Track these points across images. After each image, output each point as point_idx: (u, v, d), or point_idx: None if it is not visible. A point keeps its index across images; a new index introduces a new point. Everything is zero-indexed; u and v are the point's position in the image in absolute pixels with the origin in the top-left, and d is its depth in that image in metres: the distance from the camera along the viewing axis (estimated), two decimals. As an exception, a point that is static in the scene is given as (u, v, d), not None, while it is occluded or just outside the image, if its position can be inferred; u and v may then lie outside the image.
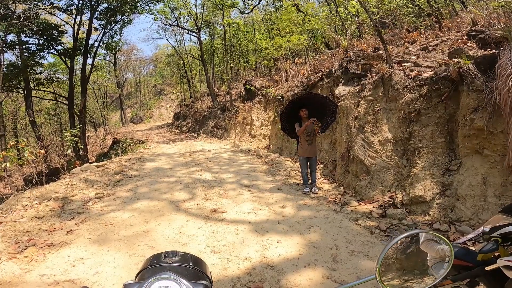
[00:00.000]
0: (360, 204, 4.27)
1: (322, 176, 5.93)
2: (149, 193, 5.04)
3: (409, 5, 10.14)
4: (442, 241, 0.67)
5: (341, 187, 5.14)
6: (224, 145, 10.83)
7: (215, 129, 13.76)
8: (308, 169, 5.07)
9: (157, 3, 15.46)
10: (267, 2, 16.24)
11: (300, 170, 5.35)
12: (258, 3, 15.94)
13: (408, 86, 4.15)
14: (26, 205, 4.20)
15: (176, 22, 18.30)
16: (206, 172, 6.51)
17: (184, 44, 24.09)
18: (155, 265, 0.70)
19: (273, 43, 12.46)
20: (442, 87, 3.69)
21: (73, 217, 3.96)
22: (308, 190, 4.88)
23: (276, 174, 6.13)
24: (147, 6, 15.10)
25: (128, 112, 33.08)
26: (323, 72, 7.63)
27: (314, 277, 2.56)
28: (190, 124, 17.63)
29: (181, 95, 26.99)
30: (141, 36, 61.08)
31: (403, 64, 4.94)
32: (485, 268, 1.49)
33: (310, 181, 5.07)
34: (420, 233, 0.79)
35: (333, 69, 6.99)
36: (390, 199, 4.03)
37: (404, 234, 0.72)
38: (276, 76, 11.51)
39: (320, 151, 6.34)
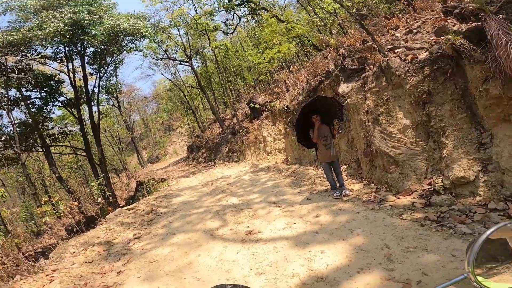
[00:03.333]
0: (399, 198, 4.01)
1: (349, 177, 5.76)
2: (182, 227, 5.09)
3: None
4: None
5: (372, 184, 4.90)
6: (242, 168, 10.85)
7: (230, 154, 13.85)
8: (333, 173, 4.96)
9: (141, 40, 15.59)
10: (247, 18, 16.69)
11: (325, 176, 5.23)
12: (239, 22, 16.40)
13: (409, 70, 4.11)
14: (74, 252, 4.46)
15: (165, 55, 18.83)
16: (232, 197, 6.51)
17: (180, 75, 24.67)
18: None
19: (264, 57, 12.67)
20: (443, 64, 3.63)
21: (119, 259, 4.11)
22: (339, 194, 4.72)
23: (301, 185, 6.06)
24: (133, 44, 15.31)
25: (143, 153, 33.92)
26: (321, 75, 7.67)
27: (372, 281, 2.43)
28: (205, 154, 17.83)
29: (189, 127, 27.51)
30: (136, 75, 63.28)
31: (395, 51, 4.92)
32: None
33: (338, 184, 4.93)
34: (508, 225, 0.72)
35: (330, 69, 7.03)
36: (430, 186, 3.77)
37: (492, 229, 0.67)
38: (276, 88, 11.63)
39: (339, 152, 6.25)
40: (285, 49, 11.62)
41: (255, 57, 13.64)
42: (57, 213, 7.00)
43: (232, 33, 17.54)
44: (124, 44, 14.62)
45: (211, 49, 17.03)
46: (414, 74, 4.04)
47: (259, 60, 13.05)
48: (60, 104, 14.69)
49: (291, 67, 11.87)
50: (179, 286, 3.02)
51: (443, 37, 3.73)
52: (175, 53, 19.48)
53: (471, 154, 3.40)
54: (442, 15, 4.74)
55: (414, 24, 5.84)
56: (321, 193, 5.24)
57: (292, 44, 12.02)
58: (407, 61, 4.24)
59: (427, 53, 4.03)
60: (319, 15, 11.33)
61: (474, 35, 3.30)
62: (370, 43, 6.04)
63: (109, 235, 5.10)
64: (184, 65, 19.94)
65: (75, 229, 6.11)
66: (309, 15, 13.79)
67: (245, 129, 12.64)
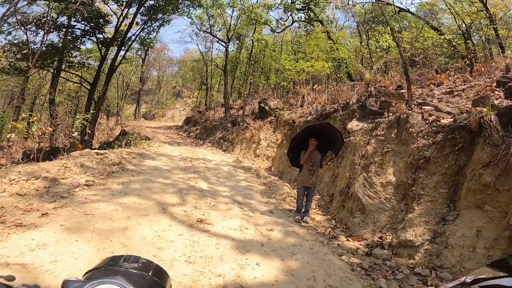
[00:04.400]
0: (348, 240, 4.20)
1: (317, 207, 5.79)
2: (139, 190, 5.00)
3: (445, 45, 10.05)
4: None
5: (333, 221, 5.04)
6: (226, 158, 10.81)
7: (221, 141, 13.82)
8: (305, 198, 4.96)
9: (197, 8, 16.28)
10: (299, 25, 16.73)
11: (296, 197, 5.24)
12: (291, 25, 16.41)
13: (423, 131, 4.07)
14: (13, 179, 4.16)
15: (210, 29, 19.03)
16: (202, 181, 6.45)
17: (212, 52, 24.83)
18: (110, 267, 0.66)
19: (296, 66, 12.64)
20: (458, 136, 3.60)
21: (55, 200, 3.91)
22: (299, 218, 4.77)
23: (271, 197, 6.01)
24: (187, 9, 15.96)
25: (143, 107, 33.88)
26: (340, 104, 7.61)
27: None
28: (198, 131, 17.81)
29: (196, 101, 27.56)
30: (175, 37, 64.00)
31: (423, 107, 4.86)
32: None
33: (303, 209, 4.95)
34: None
35: (351, 102, 6.97)
36: (379, 239, 3.96)
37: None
38: (292, 100, 11.59)
39: (320, 182, 6.22)
40: (319, 66, 11.58)
41: (287, 63, 13.64)
42: (26, 133, 6.84)
43: (279, 32, 17.63)
44: (180, 6, 15.11)
45: (252, 40, 17.11)
46: (425, 136, 4.00)
47: (290, 66, 13.03)
48: (95, 39, 15.01)
49: (316, 85, 11.84)
50: (99, 246, 2.89)
51: (478, 108, 3.66)
52: (219, 31, 19.63)
53: (430, 225, 3.53)
54: (494, 84, 4.64)
55: (459, 86, 5.74)
56: (285, 211, 5.21)
57: (328, 64, 11.97)
58: (427, 122, 4.18)
59: (451, 119, 3.96)
60: (370, 47, 11.29)
61: (508, 113, 3.18)
62: (403, 90, 5.98)
63: (61, 173, 4.86)
64: (221, 44, 20.02)
65: (32, 155, 5.94)
66: (361, 43, 13.79)
67: (246, 124, 12.61)
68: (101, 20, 14.08)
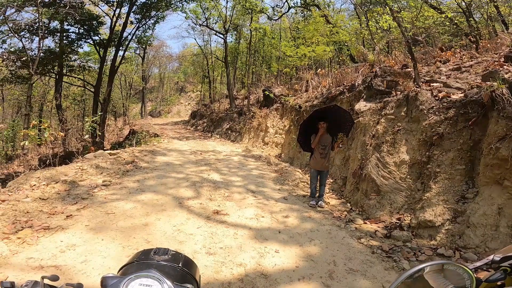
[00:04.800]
0: (366, 223, 4.14)
1: (330, 191, 5.78)
2: (155, 187, 5.08)
3: (447, 23, 9.79)
4: (466, 273, 0.60)
5: (348, 204, 5.00)
6: (236, 148, 10.83)
7: (229, 132, 13.83)
8: (318, 182, 4.95)
9: (190, 2, 16.11)
10: (296, 10, 16.35)
11: (309, 182, 5.24)
12: (287, 11, 16.04)
13: (434, 107, 3.97)
14: (34, 185, 4.28)
15: (205, 22, 18.81)
16: (214, 173, 6.50)
17: (210, 45, 24.74)
18: (142, 261, 0.68)
19: (297, 52, 12.42)
20: (471, 111, 3.50)
21: (76, 202, 4.02)
22: (314, 203, 4.76)
23: (284, 184, 6.03)
24: (180, 4, 15.81)
25: (148, 105, 34.01)
26: (345, 86, 7.48)
27: None
28: (205, 124, 17.84)
29: (200, 94, 27.50)
30: (171, 33, 63.41)
31: (431, 84, 4.74)
32: None
33: (317, 194, 4.94)
34: (435, 265, 0.73)
35: (356, 84, 6.85)
36: (398, 221, 3.90)
37: (419, 266, 0.66)
38: (296, 85, 11.45)
39: (332, 166, 6.19)
40: (320, 50, 11.37)
41: (288, 49, 13.41)
42: (39, 140, 6.94)
43: (276, 20, 17.27)
44: (173, 2, 14.99)
45: (249, 29, 16.86)
46: (437, 113, 3.91)
47: (291, 53, 12.81)
48: (91, 42, 15.01)
49: (319, 69, 11.64)
50: (124, 243, 2.98)
51: (488, 82, 3.56)
52: (215, 23, 19.43)
53: (449, 203, 3.44)
54: (502, 59, 4.52)
55: (467, 62, 5.59)
56: (299, 197, 5.22)
57: (329, 48, 11.72)
58: (437, 98, 4.08)
59: (462, 94, 3.87)
60: (370, 28, 10.99)
61: None
62: (409, 69, 5.84)
63: (78, 175, 4.98)
64: (219, 36, 19.91)
65: (48, 161, 6.05)
66: (360, 25, 13.42)
67: (252, 113, 12.56)
68: (94, 22, 14.04)
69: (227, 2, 17.83)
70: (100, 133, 11.21)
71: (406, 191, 4.04)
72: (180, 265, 0.69)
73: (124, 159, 6.72)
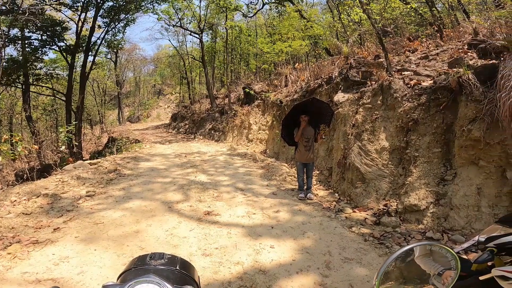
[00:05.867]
0: (355, 211, 4.26)
1: (318, 182, 5.91)
2: (142, 193, 4.99)
3: (412, 14, 10.24)
4: (449, 253, 0.64)
5: (336, 194, 5.13)
6: (220, 148, 10.81)
7: (212, 132, 13.75)
8: (305, 175, 5.05)
9: (161, 3, 15.66)
10: (270, 7, 16.42)
11: (296, 175, 5.33)
12: (262, 7, 16.10)
13: (407, 95, 4.17)
14: (15, 200, 4.13)
15: (179, 23, 18.46)
16: (201, 174, 6.47)
17: (186, 45, 24.17)
18: (139, 267, 0.68)
19: (274, 48, 12.53)
20: (441, 96, 3.70)
21: (62, 215, 3.91)
22: (303, 195, 4.86)
23: (272, 179, 6.11)
24: (151, 5, 15.29)
25: (126, 111, 33.03)
26: (323, 79, 7.65)
27: (307, 284, 2.53)
28: (187, 126, 17.62)
29: (180, 96, 27.05)
30: (144, 36, 61.66)
31: (403, 73, 4.96)
32: (479, 278, 1.48)
33: (305, 187, 5.05)
34: (420, 246, 0.77)
35: (333, 76, 7.02)
36: (385, 207, 4.03)
37: (405, 248, 0.69)
38: (276, 81, 11.56)
39: (316, 157, 6.34)
40: (296, 45, 11.53)
41: (264, 46, 13.49)
42: (12, 154, 6.62)
43: (251, 17, 17.25)
44: (143, 4, 14.46)
45: (225, 28, 16.73)
46: (410, 100, 4.10)
47: (268, 49, 12.89)
48: (57, 48, 14.27)
49: (297, 64, 11.81)
50: (118, 252, 2.94)
51: (454, 69, 3.78)
52: (189, 23, 19.11)
53: (431, 186, 3.60)
54: (466, 47, 4.79)
55: (433, 50, 5.87)
56: (288, 191, 5.32)
57: (305, 42, 11.91)
58: (409, 86, 4.28)
59: (431, 81, 4.08)
60: (343, 21, 11.27)
61: (485, 72, 3.32)
62: (381, 59, 6.05)
63: (60, 188, 4.84)
64: (194, 36, 19.51)
65: (25, 175, 5.79)
66: (333, 19, 13.71)
67: (234, 112, 12.56)
68: (58, 28, 13.31)
69: (200, 1, 17.71)
70: (77, 143, 10.78)
71: (389, 177, 4.19)
72: (177, 267, 0.69)
73: (106, 168, 6.54)
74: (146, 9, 15.25)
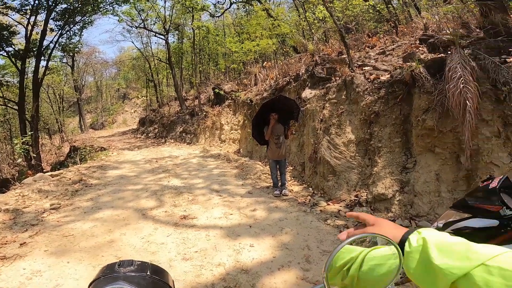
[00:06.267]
0: (329, 204, 4.42)
1: (292, 178, 6.09)
2: (112, 202, 4.84)
3: (371, 11, 10.86)
4: (389, 242, 0.66)
5: (310, 188, 5.30)
6: (193, 151, 10.69)
7: (183, 134, 13.54)
8: (278, 171, 5.19)
9: (122, 4, 14.90)
10: (238, 6, 16.46)
11: (270, 172, 5.46)
12: (229, 7, 16.09)
13: (368, 89, 4.46)
14: None
15: (143, 24, 17.86)
16: (174, 179, 6.39)
17: (151, 47, 23.39)
18: (108, 275, 0.65)
19: (242, 47, 12.62)
20: (397, 89, 4.02)
21: (27, 229, 3.72)
22: (278, 192, 4.98)
23: (247, 178, 6.20)
24: (111, 7, 14.52)
25: (88, 117, 31.30)
26: (291, 76, 7.88)
27: (289, 279, 2.62)
28: (157, 130, 17.15)
29: (147, 100, 26.17)
30: (104, 38, 58.43)
31: (363, 68, 5.28)
32: None
33: (280, 183, 5.18)
34: (366, 237, 0.74)
35: (300, 73, 7.26)
36: (356, 198, 4.23)
37: (348, 240, 0.70)
38: (245, 80, 11.65)
39: (289, 153, 6.52)
40: (264, 43, 11.70)
41: (233, 45, 13.51)
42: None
43: (219, 16, 17.15)
44: (102, 5, 13.67)
45: (192, 28, 16.46)
46: (371, 93, 4.39)
47: (236, 49, 12.95)
48: (5, 54, 13.10)
49: (265, 62, 11.99)
50: (93, 263, 2.86)
51: (408, 63, 4.10)
52: (154, 24, 18.51)
53: (395, 175, 3.87)
54: (417, 42, 5.18)
55: (389, 46, 6.28)
56: (263, 189, 5.43)
57: (273, 41, 12.12)
58: (369, 80, 4.57)
59: (388, 75, 4.39)
60: (308, 19, 11.62)
61: (434, 65, 3.64)
62: (344, 56, 6.36)
63: (20, 203, 4.58)
64: (159, 37, 19.02)
65: None
66: (299, 17, 14.07)
67: (204, 113, 12.48)
68: (5, 32, 12.32)
69: (165, 2, 17.10)
70: (34, 155, 10.08)
71: (357, 168, 4.44)
72: (148, 273, 0.67)
73: (70, 179, 6.23)
74: (105, 10, 14.49)
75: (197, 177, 6.44)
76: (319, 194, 4.95)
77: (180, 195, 5.16)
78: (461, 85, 3.00)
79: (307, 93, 6.08)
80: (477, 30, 4.14)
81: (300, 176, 6.01)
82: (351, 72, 5.18)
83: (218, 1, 16.00)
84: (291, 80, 7.71)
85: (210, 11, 16.00)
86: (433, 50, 4.42)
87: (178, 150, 11.26)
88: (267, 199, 4.80)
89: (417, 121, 3.60)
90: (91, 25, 15.17)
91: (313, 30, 11.50)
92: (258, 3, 13.92)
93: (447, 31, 4.50)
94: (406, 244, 0.60)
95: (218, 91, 11.92)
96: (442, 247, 0.54)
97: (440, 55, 3.97)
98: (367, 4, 9.61)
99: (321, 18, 11.32)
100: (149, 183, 6.06)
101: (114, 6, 14.57)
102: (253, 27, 12.92)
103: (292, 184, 5.77)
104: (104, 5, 14.11)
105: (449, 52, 3.72)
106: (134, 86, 34.49)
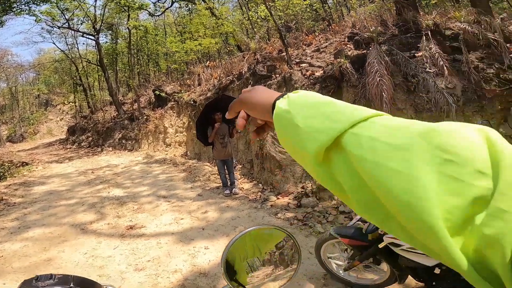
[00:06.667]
0: (278, 198, 4.64)
1: (242, 176, 6.26)
2: (42, 220, 4.45)
3: (308, 10, 11.70)
4: (284, 233, 0.69)
5: (260, 184, 5.49)
6: (135, 157, 10.21)
7: (123, 141, 12.78)
8: (226, 171, 5.31)
9: (41, 4, 13.25)
10: (180, 5, 16.07)
11: (218, 173, 5.55)
12: (171, 6, 15.65)
13: (305, 84, 4.88)
14: None
15: (67, 24, 16.18)
16: (115, 189, 6.08)
17: (78, 48, 21.21)
18: None
19: (184, 47, 12.43)
20: (329, 84, 4.50)
21: None
22: (229, 192, 5.08)
23: (195, 181, 6.20)
24: (26, 7, 12.81)
25: (3, 129, 27.22)
26: (234, 75, 8.08)
27: None
28: (91, 138, 15.80)
29: (76, 106, 23.83)
30: (18, 39, 51.15)
31: (301, 65, 5.73)
32: (378, 246, 1.87)
33: (229, 182, 5.28)
34: (255, 229, 0.74)
35: (243, 71, 7.51)
36: (302, 189, 4.51)
37: (240, 234, 0.71)
38: (188, 81, 11.50)
39: (237, 152, 6.70)
40: (207, 43, 11.69)
41: (173, 45, 13.20)
42: None
43: (159, 15, 16.45)
44: (15, 5, 12.07)
45: (127, 28, 15.50)
46: (307, 89, 4.81)
47: (177, 49, 12.71)
48: None
49: (208, 62, 11.99)
50: (33, 281, 2.65)
51: (337, 60, 4.60)
52: (81, 24, 16.80)
53: None
54: (346, 39, 5.78)
55: (323, 44, 6.87)
56: (213, 189, 5.51)
57: (215, 40, 12.18)
58: (306, 76, 4.99)
59: (322, 71, 4.86)
60: (250, 18, 11.95)
61: (358, 61, 4.16)
62: (284, 53, 6.78)
63: None
64: (88, 38, 17.32)
65: None
66: (243, 15, 14.35)
67: (145, 117, 11.97)
68: None
69: (95, 0, 15.79)
70: None
71: (299, 160, 4.83)
72: (72, 285, 0.65)
73: (-13, 200, 5.48)
74: (19, 10, 12.74)
75: (142, 185, 6.22)
76: (268, 189, 5.15)
77: (123, 205, 4.96)
78: (378, 78, 3.52)
79: (250, 91, 6.33)
80: (393, 27, 4.85)
81: (250, 173, 6.24)
82: (290, 69, 5.59)
83: (158, 0, 15.46)
84: (234, 79, 7.91)
85: (149, 10, 15.32)
86: (358, 47, 5.04)
87: (118, 158, 10.62)
88: (218, 199, 4.88)
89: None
90: (1, 26, 13.22)
91: (255, 29, 11.91)
92: (202, 2, 13.86)
93: (369, 29, 5.16)
94: (275, 110, 0.48)
95: (159, 93, 11.55)
96: (309, 108, 0.43)
97: (362, 52, 4.55)
98: (305, 3, 10.31)
99: (263, 17, 11.79)
100: (85, 196, 5.67)
101: (30, 5, 12.91)
102: (195, 26, 12.82)
103: (242, 181, 5.93)
104: (18, 5, 12.45)
105: (370, 48, 4.30)
106: (58, 92, 31.11)
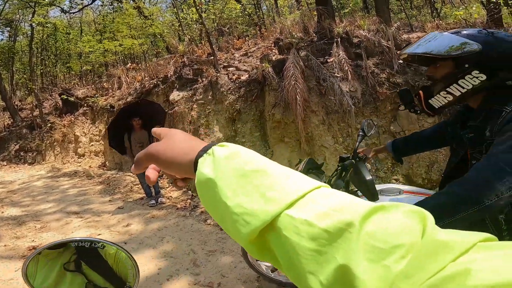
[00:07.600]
0: None
1: (169, 184, 6.12)
2: None
3: (240, 15, 12.34)
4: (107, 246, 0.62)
5: (189, 191, 5.46)
6: (37, 172, 9.22)
7: (21, 154, 11.35)
8: (148, 180, 5.23)
9: None
10: (103, 2, 15.17)
11: (140, 183, 5.42)
12: (92, 3, 14.62)
13: (231, 88, 5.23)
14: None
15: None
16: (10, 208, 5.46)
17: None
18: None
19: (100, 47, 11.77)
20: (254, 88, 4.94)
21: None
22: (154, 202, 4.99)
23: (115, 193, 5.95)
24: None
25: None
26: (159, 78, 8.01)
27: (182, 287, 2.73)
28: (-25, 152, 13.52)
29: (-48, 113, 20.02)
30: None
31: (228, 69, 6.07)
32: None
33: (154, 192, 5.20)
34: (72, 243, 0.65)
35: (169, 75, 7.52)
36: None
37: (40, 249, 0.65)
38: (106, 84, 10.90)
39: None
40: (129, 43, 11.27)
41: (87, 44, 12.34)
42: None
43: (75, 13, 15.15)
44: None
45: (30, 24, 13.93)
46: (233, 92, 5.16)
47: (91, 49, 11.95)
48: None
49: (129, 64, 11.53)
50: None
51: (261, 64, 5.04)
52: None
53: None
54: (272, 45, 6.31)
55: (252, 48, 7.35)
56: (137, 201, 5.37)
57: (139, 41, 11.83)
58: (232, 80, 5.34)
59: (247, 75, 5.26)
60: (181, 20, 11.93)
61: (278, 65, 4.65)
62: (212, 57, 7.04)
63: None
64: None
65: None
66: (174, 16, 14.19)
67: (49, 125, 10.89)
68: None
69: None
70: None
71: (229, 165, 5.13)
72: None
73: None
74: None
75: (46, 202, 5.69)
76: (197, 195, 5.28)
77: (22, 225, 4.52)
78: (293, 82, 4.06)
79: (175, 95, 6.41)
80: (314, 34, 5.53)
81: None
82: (216, 72, 5.88)
83: (76, -4, 14.29)
84: (159, 82, 7.84)
85: (63, 6, 14.06)
86: (281, 52, 5.60)
87: (14, 173, 9.41)
88: (142, 211, 4.76)
89: (269, 115, 4.55)
90: None
91: (186, 31, 11.97)
92: (131, 1, 13.35)
93: (293, 35, 5.79)
94: (197, 175, 0.42)
95: (66, 97, 10.64)
96: (239, 178, 0.39)
97: (283, 57, 5.11)
98: (238, 7, 10.87)
99: (195, 19, 11.95)
100: (-31, 220, 4.93)
101: None
102: (116, 25, 12.26)
103: (171, 190, 5.80)
104: None
105: (290, 54, 4.86)
106: None
